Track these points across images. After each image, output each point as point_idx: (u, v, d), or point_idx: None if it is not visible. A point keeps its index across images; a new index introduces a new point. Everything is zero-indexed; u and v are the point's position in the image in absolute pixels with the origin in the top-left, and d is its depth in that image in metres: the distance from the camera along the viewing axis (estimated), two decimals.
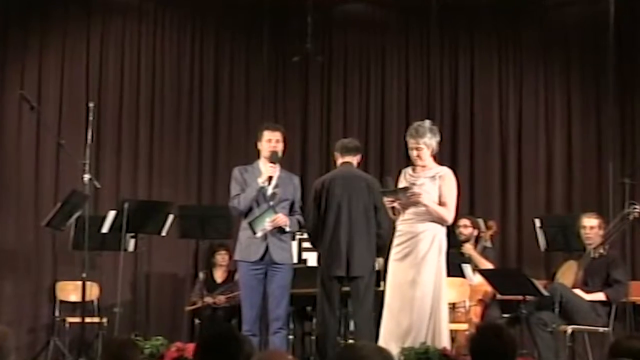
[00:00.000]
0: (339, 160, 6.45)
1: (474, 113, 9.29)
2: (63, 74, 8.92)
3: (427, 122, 5.77)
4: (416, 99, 9.35)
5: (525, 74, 9.28)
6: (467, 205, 9.00)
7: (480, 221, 7.76)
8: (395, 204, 5.63)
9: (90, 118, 7.04)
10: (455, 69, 9.36)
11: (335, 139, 7.79)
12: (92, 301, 8.03)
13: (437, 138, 5.70)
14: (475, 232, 7.56)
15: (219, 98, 9.25)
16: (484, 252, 7.46)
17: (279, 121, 8.55)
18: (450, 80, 9.36)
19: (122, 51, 9.07)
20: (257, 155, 6.21)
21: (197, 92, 9.20)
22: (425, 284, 5.48)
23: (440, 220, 5.57)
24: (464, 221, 7.54)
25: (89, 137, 6.95)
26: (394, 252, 5.61)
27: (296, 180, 6.22)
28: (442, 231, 5.58)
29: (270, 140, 6.07)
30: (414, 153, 5.65)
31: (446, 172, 5.66)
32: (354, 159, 6.43)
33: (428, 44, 9.39)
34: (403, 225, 5.59)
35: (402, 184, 5.79)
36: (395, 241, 5.62)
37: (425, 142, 5.60)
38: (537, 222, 7.50)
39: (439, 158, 9.04)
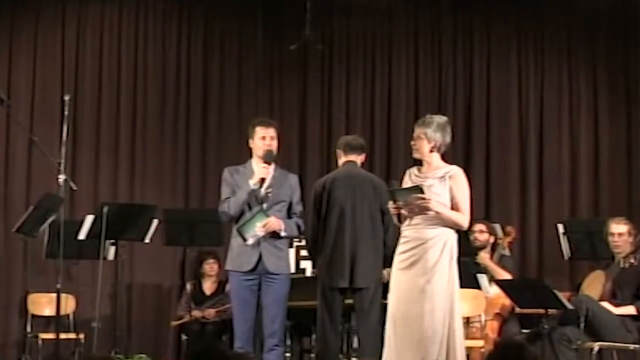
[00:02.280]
0: (342, 159, 6.44)
1: (490, 107, 9.29)
2: (36, 64, 8.93)
3: (441, 117, 5.71)
4: (426, 92, 9.34)
5: (547, 63, 9.28)
6: (483, 208, 9.00)
7: (497, 227, 7.74)
8: (403, 211, 5.53)
9: (66, 113, 7.01)
10: (470, 58, 9.35)
11: (337, 136, 7.80)
12: (67, 315, 8.03)
13: (446, 136, 5.61)
14: (492, 239, 7.54)
15: (208, 91, 9.24)
16: (501, 261, 7.44)
17: (274, 116, 8.53)
18: (464, 71, 9.35)
19: (101, 39, 9.06)
20: (249, 154, 6.19)
21: (184, 85, 9.19)
22: (435, 296, 5.43)
23: (455, 226, 5.53)
24: (480, 226, 7.51)
25: (65, 133, 6.93)
26: (399, 260, 5.54)
27: (293, 179, 6.18)
28: (453, 237, 5.53)
29: (264, 138, 6.04)
30: (412, 142, 5.64)
31: (457, 171, 5.60)
32: (359, 159, 6.42)
33: (439, 31, 9.38)
34: (410, 230, 5.52)
35: (406, 186, 5.74)
36: (400, 248, 5.54)
37: (426, 133, 5.54)
38: (561, 228, 7.49)
39: (452, 156, 9.12)
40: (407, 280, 5.46)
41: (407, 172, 5.68)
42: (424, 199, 5.37)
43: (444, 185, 5.49)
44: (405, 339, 5.43)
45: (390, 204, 5.51)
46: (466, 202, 5.53)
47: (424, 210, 5.41)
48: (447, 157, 9.01)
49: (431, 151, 5.56)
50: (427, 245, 5.42)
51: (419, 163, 5.76)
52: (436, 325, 5.38)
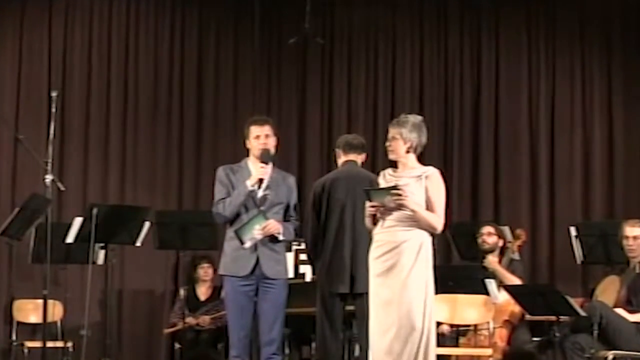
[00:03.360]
0: (342, 159, 6.45)
1: (499, 102, 9.29)
2: (21, 58, 8.93)
3: (416, 117, 5.75)
4: (432, 86, 9.34)
5: (559, 56, 9.28)
6: (492, 210, 9.01)
7: (506, 229, 7.75)
8: (378, 213, 5.54)
9: (53, 110, 7.03)
10: (478, 50, 9.35)
11: (338, 134, 7.80)
12: (55, 323, 8.02)
13: (422, 136, 5.65)
14: (501, 242, 7.55)
15: (202, 87, 9.24)
16: (510, 265, 7.45)
17: (272, 114, 8.55)
18: (472, 64, 9.35)
19: (90, 31, 9.06)
20: (246, 153, 6.18)
21: (177, 80, 9.19)
22: (411, 303, 5.43)
23: (429, 228, 5.55)
24: (488, 229, 7.53)
25: (52, 131, 6.94)
26: (375, 266, 5.55)
27: (291, 180, 6.17)
28: (428, 240, 5.56)
29: (259, 137, 6.02)
30: (388, 143, 5.67)
31: (433, 171, 5.65)
32: (359, 158, 6.43)
33: (446, 22, 9.38)
34: (383, 234, 5.52)
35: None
36: (374, 253, 5.53)
37: (401, 133, 5.59)
38: (573, 231, 7.50)
39: (459, 154, 9.14)
40: (386, 286, 5.48)
41: (382, 173, 5.69)
42: (400, 195, 5.39)
43: (420, 185, 5.53)
44: (385, 348, 5.44)
45: (367, 204, 5.53)
46: (442, 203, 5.57)
47: (398, 207, 5.43)
48: (453, 156, 9.13)
49: (407, 152, 5.61)
50: (401, 248, 5.44)
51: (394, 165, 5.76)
52: (414, 335, 5.40)
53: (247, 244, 5.88)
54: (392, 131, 5.63)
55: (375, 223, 5.54)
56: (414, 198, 5.48)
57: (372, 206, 5.49)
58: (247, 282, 5.95)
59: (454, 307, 6.91)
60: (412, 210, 5.44)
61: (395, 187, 5.45)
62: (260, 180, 5.94)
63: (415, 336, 5.40)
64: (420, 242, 5.48)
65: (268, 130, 6.04)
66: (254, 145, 6.03)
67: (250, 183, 5.93)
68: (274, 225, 5.92)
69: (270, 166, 6.02)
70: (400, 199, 5.40)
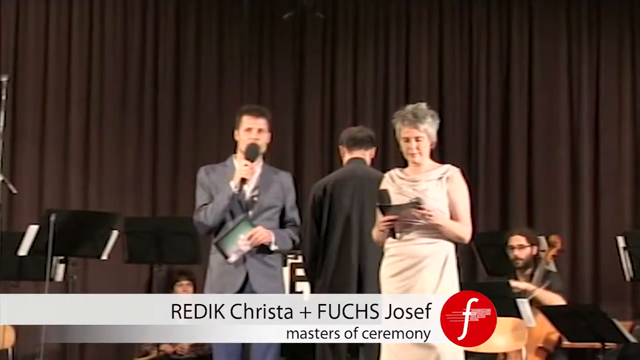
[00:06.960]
0: (347, 156, 6.47)
1: (532, 94, 9.31)
2: None
3: (426, 106, 5.78)
4: (453, 72, 9.36)
5: (604, 40, 9.30)
6: (524, 219, 9.01)
7: (542, 240, 7.74)
8: (396, 226, 5.55)
9: (3, 97, 7.05)
10: (508, 32, 9.38)
11: (341, 128, 7.81)
12: (5, 350, 8.03)
13: (437, 125, 5.71)
14: (534, 251, 7.51)
15: (180, 71, 9.27)
16: (545, 279, 7.44)
17: (264, 102, 8.55)
18: (500, 48, 9.37)
19: (47, 5, 9.08)
20: (233, 148, 6.19)
21: (151, 63, 9.21)
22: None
23: (457, 240, 5.58)
24: (518, 239, 7.49)
25: (1, 123, 6.96)
26: (391, 285, 5.55)
27: (286, 178, 6.16)
28: (453, 251, 5.59)
29: (251, 130, 6.02)
30: (412, 145, 5.65)
31: (454, 171, 5.65)
32: (367, 154, 6.44)
33: None
34: (401, 247, 5.53)
35: (388, 190, 5.73)
36: (390, 270, 5.51)
37: (426, 130, 5.62)
38: (621, 241, 7.50)
39: (485, 153, 9.15)
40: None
41: (387, 175, 5.68)
42: (423, 213, 5.41)
43: (441, 188, 5.54)
44: None
45: (382, 219, 5.52)
46: (467, 208, 5.59)
47: (420, 222, 5.45)
48: (479, 154, 9.15)
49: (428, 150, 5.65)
50: (422, 264, 5.45)
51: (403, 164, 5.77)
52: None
53: (232, 258, 5.87)
54: (414, 129, 5.61)
55: (394, 236, 5.53)
56: (435, 204, 5.50)
57: (388, 220, 5.49)
58: None
59: None
60: (439, 225, 5.46)
61: (417, 203, 5.46)
62: (243, 180, 5.92)
63: None
64: (446, 255, 5.50)
65: (262, 125, 6.04)
66: (242, 138, 6.02)
67: (233, 184, 5.92)
68: (262, 234, 5.90)
69: (257, 164, 6.01)
70: (428, 218, 5.43)
